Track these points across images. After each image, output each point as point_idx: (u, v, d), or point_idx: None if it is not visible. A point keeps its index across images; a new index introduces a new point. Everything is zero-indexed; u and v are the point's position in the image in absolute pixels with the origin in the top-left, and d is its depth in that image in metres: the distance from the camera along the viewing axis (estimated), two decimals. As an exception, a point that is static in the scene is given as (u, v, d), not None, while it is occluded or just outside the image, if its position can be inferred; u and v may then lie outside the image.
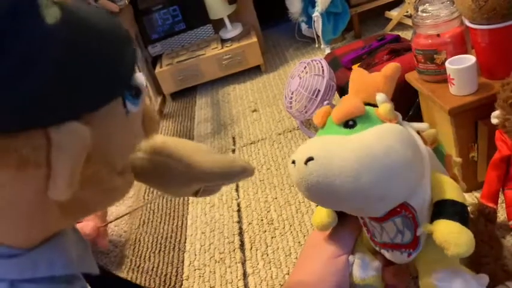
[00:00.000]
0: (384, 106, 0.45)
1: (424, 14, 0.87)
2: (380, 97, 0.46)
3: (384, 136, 0.41)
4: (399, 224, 0.45)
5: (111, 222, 1.00)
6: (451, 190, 0.45)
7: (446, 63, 0.83)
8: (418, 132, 0.48)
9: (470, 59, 0.81)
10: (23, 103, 0.28)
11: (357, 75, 0.51)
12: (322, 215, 0.50)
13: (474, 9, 0.77)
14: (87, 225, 0.95)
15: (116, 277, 0.64)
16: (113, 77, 0.33)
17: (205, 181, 0.51)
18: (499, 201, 0.80)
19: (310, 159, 0.40)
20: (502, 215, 0.84)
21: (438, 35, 0.86)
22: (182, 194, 0.53)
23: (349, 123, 0.44)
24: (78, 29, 0.30)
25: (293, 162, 0.42)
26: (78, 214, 0.38)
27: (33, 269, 0.35)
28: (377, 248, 0.50)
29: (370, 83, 0.49)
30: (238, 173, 0.52)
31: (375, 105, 0.47)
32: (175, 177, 0.49)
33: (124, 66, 0.34)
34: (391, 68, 0.49)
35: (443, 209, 0.44)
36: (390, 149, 0.40)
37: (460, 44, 0.86)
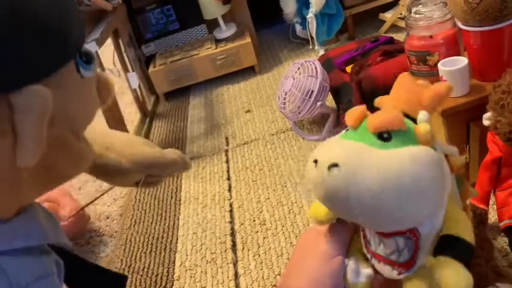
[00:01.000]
0: (424, 126, 0.42)
1: (417, 16, 0.87)
2: (423, 116, 0.43)
3: (416, 162, 0.39)
4: (400, 244, 0.44)
5: (86, 206, 1.01)
6: (464, 228, 0.43)
7: (439, 65, 0.83)
8: (446, 156, 0.45)
9: (462, 61, 0.81)
10: None
11: (405, 81, 0.47)
12: (321, 209, 0.49)
13: (466, 11, 0.77)
14: (64, 205, 0.95)
15: (83, 260, 0.66)
16: (64, 40, 0.34)
17: (139, 172, 0.57)
18: (490, 203, 0.80)
19: (334, 165, 0.38)
20: (493, 217, 0.84)
21: (431, 37, 0.87)
22: (125, 184, 0.60)
23: (384, 135, 0.41)
24: None
25: (315, 161, 0.40)
26: (48, 182, 0.39)
27: (10, 241, 0.35)
28: (368, 256, 0.49)
29: (415, 94, 0.45)
30: (168, 165, 0.57)
31: (412, 118, 0.44)
32: (112, 169, 0.55)
33: (74, 30, 0.35)
34: (444, 86, 0.45)
35: (450, 245, 0.42)
36: (420, 176, 0.38)
37: (453, 46, 0.86)
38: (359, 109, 0.44)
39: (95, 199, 0.74)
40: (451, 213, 0.44)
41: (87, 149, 0.41)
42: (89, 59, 0.37)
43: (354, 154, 0.39)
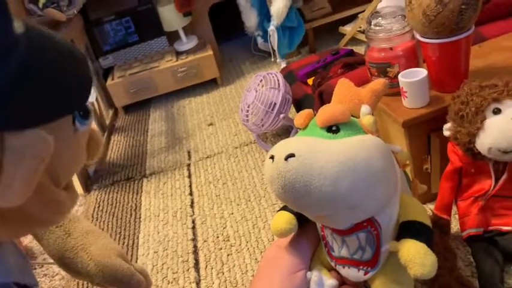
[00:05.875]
0: (368, 118, 0.45)
1: (377, 28, 0.88)
2: (365, 109, 0.46)
3: (366, 146, 0.41)
4: (362, 240, 0.44)
5: None
6: (420, 213, 0.44)
7: (399, 76, 0.84)
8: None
9: (422, 72, 0.82)
10: None
11: (343, 86, 0.51)
12: (282, 220, 0.48)
13: (424, 24, 0.79)
14: None
15: None
16: (70, 93, 0.35)
17: (102, 281, 0.59)
18: (452, 213, 0.81)
19: (291, 155, 0.39)
20: (455, 226, 0.85)
21: (391, 49, 0.87)
22: (82, 280, 0.64)
23: (332, 128, 0.43)
24: (39, 44, 0.32)
25: (271, 157, 0.40)
26: (21, 227, 0.38)
27: None
28: (332, 264, 0.48)
29: (356, 95, 0.49)
30: (132, 285, 0.60)
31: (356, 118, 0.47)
32: (76, 268, 0.59)
33: (81, 85, 0.36)
34: (379, 83, 0.49)
35: (410, 229, 0.43)
36: (372, 159, 0.40)
37: (412, 58, 0.87)
38: (306, 111, 0.46)
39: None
40: (406, 202, 0.45)
41: (68, 197, 0.39)
42: (86, 114, 0.38)
43: (309, 144, 0.40)
